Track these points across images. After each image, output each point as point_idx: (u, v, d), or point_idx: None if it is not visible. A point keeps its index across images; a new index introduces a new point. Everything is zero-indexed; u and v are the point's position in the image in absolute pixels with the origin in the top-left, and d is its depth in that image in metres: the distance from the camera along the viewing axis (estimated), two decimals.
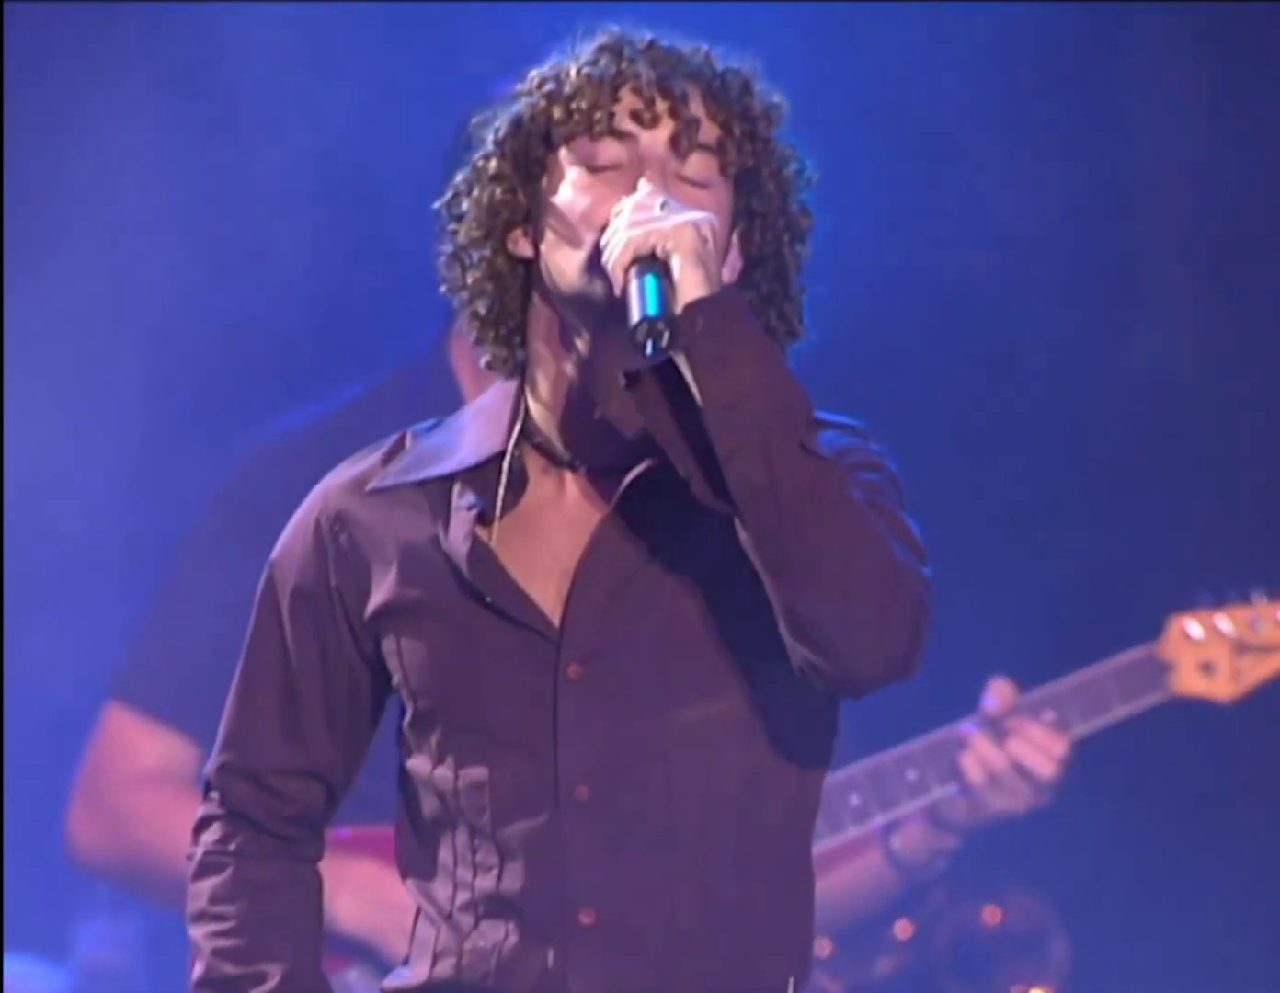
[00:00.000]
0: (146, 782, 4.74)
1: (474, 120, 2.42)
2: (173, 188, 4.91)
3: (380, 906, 4.52)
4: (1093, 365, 5.09)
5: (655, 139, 2.34)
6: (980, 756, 4.70)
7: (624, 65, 2.35)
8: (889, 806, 4.75)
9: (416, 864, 2.44)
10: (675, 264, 2.24)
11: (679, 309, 2.23)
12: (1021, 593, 4.93)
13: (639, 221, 2.26)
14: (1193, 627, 4.90)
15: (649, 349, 2.22)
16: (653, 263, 2.24)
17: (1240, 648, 4.89)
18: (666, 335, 2.22)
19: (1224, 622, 4.89)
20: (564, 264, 2.35)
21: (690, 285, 2.23)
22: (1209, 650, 4.88)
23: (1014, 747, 4.71)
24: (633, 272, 2.24)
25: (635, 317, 2.22)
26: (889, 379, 4.84)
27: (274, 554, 2.52)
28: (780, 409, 2.24)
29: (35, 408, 4.91)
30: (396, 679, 2.44)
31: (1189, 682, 4.87)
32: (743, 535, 2.25)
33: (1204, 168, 4.96)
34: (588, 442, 2.40)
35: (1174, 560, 5.02)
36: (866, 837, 4.79)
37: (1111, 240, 4.99)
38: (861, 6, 4.88)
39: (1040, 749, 4.70)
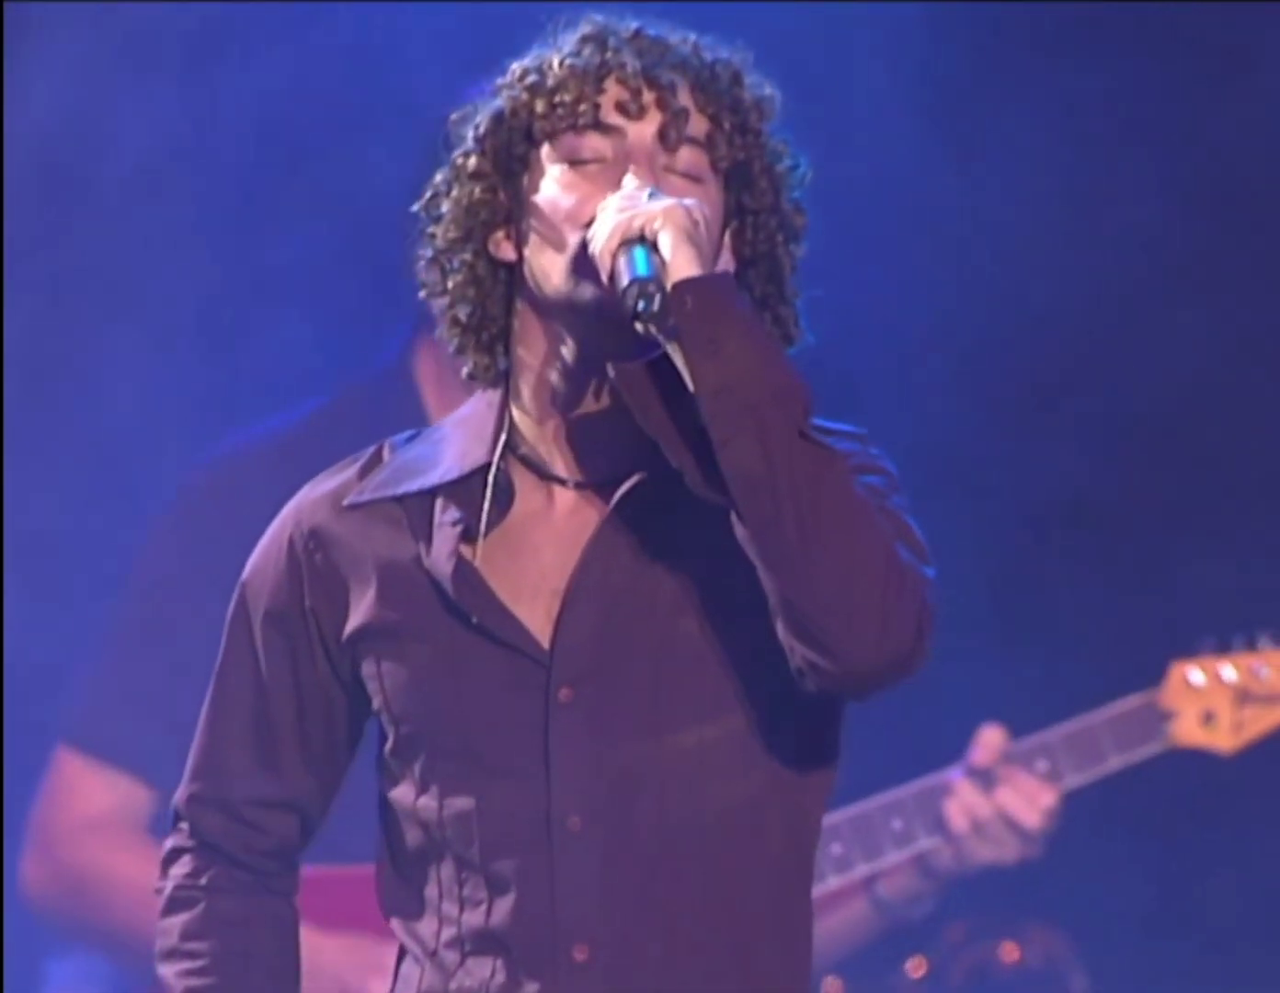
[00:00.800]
0: (96, 828, 4.63)
1: (453, 116, 2.32)
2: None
3: (357, 946, 4.43)
4: (1089, 399, 4.99)
5: (642, 132, 2.24)
6: (965, 804, 4.57)
7: (608, 55, 2.25)
8: (873, 856, 4.61)
9: (399, 899, 2.32)
10: (664, 242, 2.14)
11: (669, 288, 2.12)
12: (1018, 636, 4.81)
13: (626, 207, 2.16)
14: (1195, 674, 4.75)
15: (640, 307, 2.11)
16: (641, 243, 2.15)
17: (1243, 697, 4.75)
18: (658, 298, 2.11)
19: (1228, 669, 4.75)
20: (548, 266, 2.24)
21: (681, 264, 2.13)
22: (1211, 699, 4.74)
23: (1001, 796, 4.58)
24: (621, 251, 2.14)
25: (625, 281, 2.12)
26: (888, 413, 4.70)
27: (245, 574, 2.41)
28: (777, 394, 2.13)
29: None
30: (377, 704, 2.32)
31: (1189, 732, 4.73)
32: (739, 529, 2.14)
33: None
34: (576, 454, 2.29)
35: (1178, 604, 4.90)
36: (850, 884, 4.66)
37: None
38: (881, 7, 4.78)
39: (1028, 800, 4.58)
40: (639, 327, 2.13)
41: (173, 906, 2.38)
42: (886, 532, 2.15)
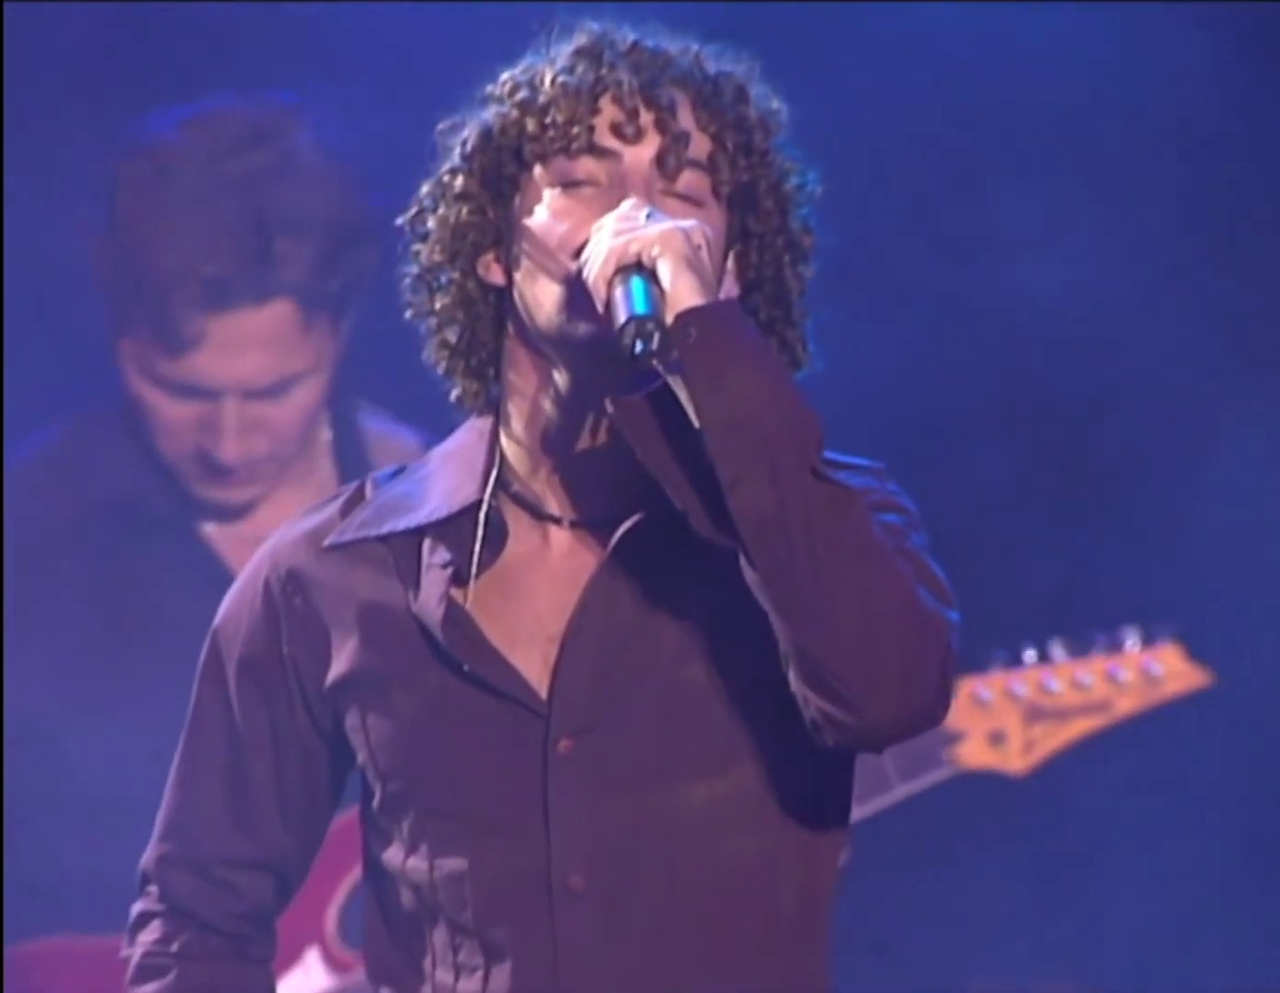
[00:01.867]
0: None
1: (441, 126, 2.19)
2: None
3: None
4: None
5: (639, 156, 2.11)
6: None
7: (604, 72, 2.12)
8: None
9: (389, 967, 2.19)
10: (664, 271, 2.00)
11: (670, 319, 2.00)
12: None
13: (622, 231, 2.03)
14: (983, 691, 4.59)
15: (638, 349, 1.98)
16: (639, 271, 2.01)
17: (1034, 714, 4.59)
18: (657, 337, 1.99)
19: (1018, 684, 4.59)
20: (540, 296, 2.11)
21: (682, 293, 2.00)
22: (1000, 718, 4.56)
23: None
24: (617, 280, 2.00)
25: (622, 318, 1.98)
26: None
27: (217, 620, 2.27)
28: (789, 429, 2.00)
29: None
30: (361, 758, 2.19)
31: (977, 754, 4.54)
32: (749, 573, 2.01)
33: None
34: (572, 491, 2.17)
35: (966, 616, 4.73)
36: None
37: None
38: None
39: None
40: (638, 350, 2.01)
41: (141, 974, 2.25)
42: (907, 575, 2.03)
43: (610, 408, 2.05)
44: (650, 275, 2.01)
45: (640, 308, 1.99)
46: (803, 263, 2.19)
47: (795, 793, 2.13)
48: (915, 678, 2.01)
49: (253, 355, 4.53)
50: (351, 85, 4.59)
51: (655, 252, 2.01)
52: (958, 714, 4.52)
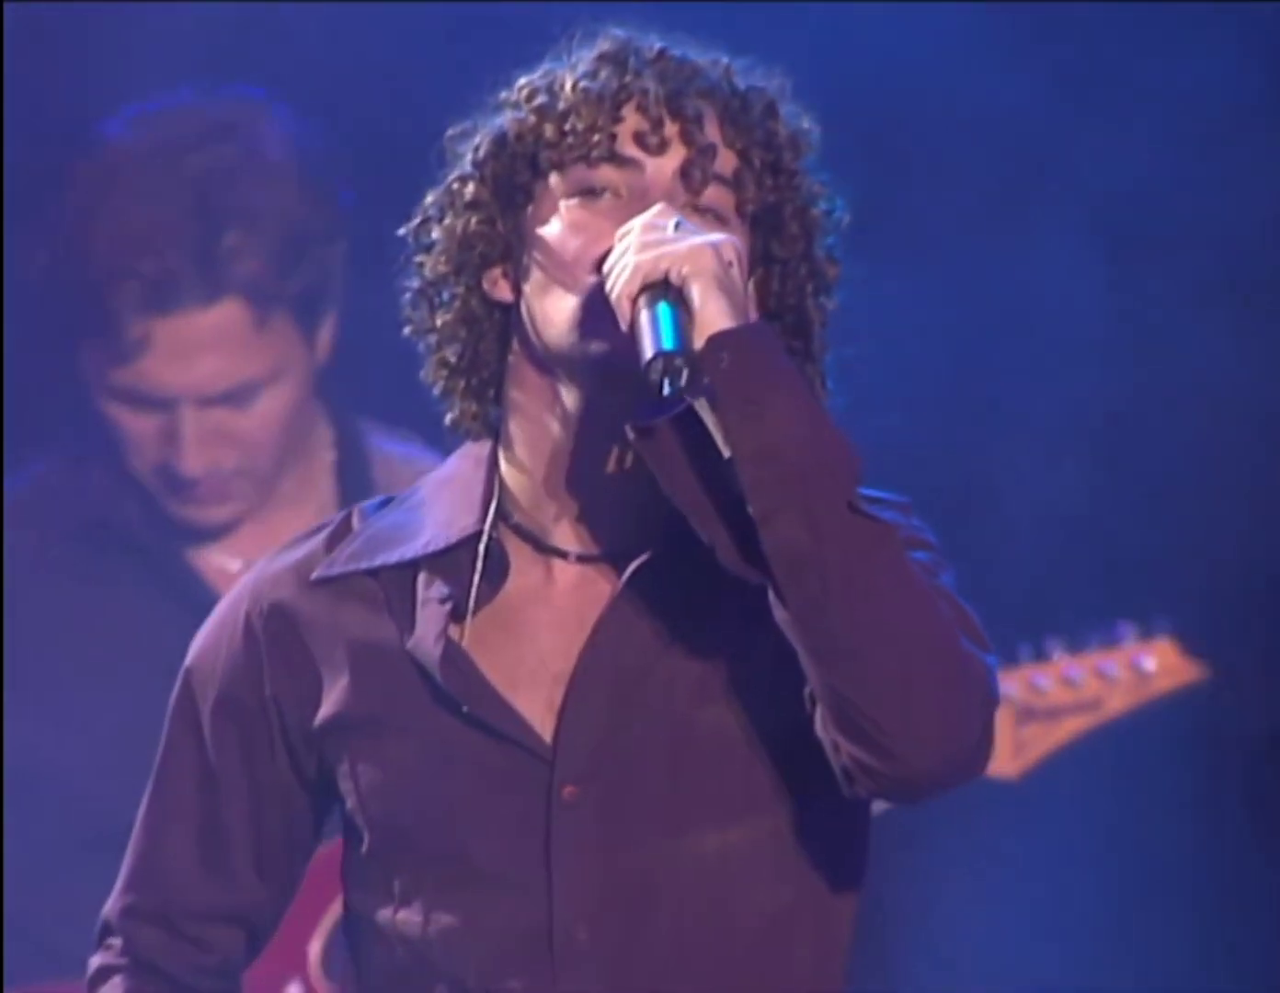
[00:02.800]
0: None
1: (450, 132, 2.07)
2: None
3: None
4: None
5: (662, 168, 2.01)
6: None
7: (628, 79, 2.01)
8: None
9: None
10: (693, 292, 1.89)
11: (700, 344, 1.89)
12: None
13: (649, 243, 1.91)
14: None
15: (666, 389, 1.86)
16: (666, 290, 1.89)
17: (1025, 715, 4.49)
18: (686, 373, 1.87)
19: (1011, 684, 4.47)
20: (551, 311, 2.00)
21: (712, 316, 1.89)
22: None
23: None
24: (643, 300, 1.88)
25: (648, 352, 1.86)
26: None
27: (190, 658, 2.13)
28: (825, 461, 1.88)
29: None
30: (350, 805, 2.05)
31: None
32: (779, 611, 1.89)
33: None
34: (579, 522, 2.05)
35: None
36: None
37: None
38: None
39: None
40: (665, 391, 1.89)
41: None
42: (947, 617, 1.93)
43: (631, 436, 1.93)
44: (678, 297, 1.90)
45: (669, 343, 1.87)
46: (826, 293, 2.09)
47: (815, 842, 2.01)
48: (956, 726, 1.90)
49: (204, 359, 4.30)
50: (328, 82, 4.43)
51: (685, 270, 1.90)
52: None
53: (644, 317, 1.88)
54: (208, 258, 4.27)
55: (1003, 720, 4.38)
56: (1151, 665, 4.47)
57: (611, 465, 2.03)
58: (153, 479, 4.40)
